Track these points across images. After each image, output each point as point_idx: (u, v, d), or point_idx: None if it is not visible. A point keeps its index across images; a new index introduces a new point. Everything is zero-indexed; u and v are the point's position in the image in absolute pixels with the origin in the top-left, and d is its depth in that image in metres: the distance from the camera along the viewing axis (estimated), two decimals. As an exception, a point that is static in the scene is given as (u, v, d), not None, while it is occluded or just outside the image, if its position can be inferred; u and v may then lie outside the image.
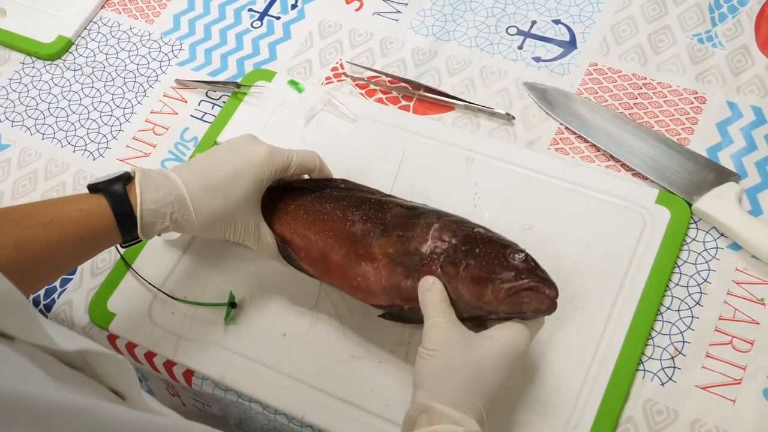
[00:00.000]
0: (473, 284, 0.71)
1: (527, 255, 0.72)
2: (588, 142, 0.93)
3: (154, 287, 0.88)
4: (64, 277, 0.93)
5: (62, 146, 1.05)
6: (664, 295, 0.81)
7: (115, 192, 0.73)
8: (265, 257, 0.84)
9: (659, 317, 0.80)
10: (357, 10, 1.10)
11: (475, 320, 0.73)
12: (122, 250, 0.91)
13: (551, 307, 0.70)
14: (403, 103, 1.00)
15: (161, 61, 1.10)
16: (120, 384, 0.52)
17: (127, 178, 0.75)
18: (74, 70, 1.11)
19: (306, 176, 0.87)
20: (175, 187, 0.75)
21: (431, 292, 0.71)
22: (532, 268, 0.71)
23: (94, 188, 0.74)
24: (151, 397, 0.63)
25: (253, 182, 0.78)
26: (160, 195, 0.74)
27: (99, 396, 0.49)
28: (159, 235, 0.90)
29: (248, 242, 0.81)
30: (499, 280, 0.70)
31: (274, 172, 0.80)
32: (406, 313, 0.76)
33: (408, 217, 0.78)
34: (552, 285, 0.70)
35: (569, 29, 1.03)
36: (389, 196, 0.84)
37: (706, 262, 0.83)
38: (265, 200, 0.83)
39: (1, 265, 0.63)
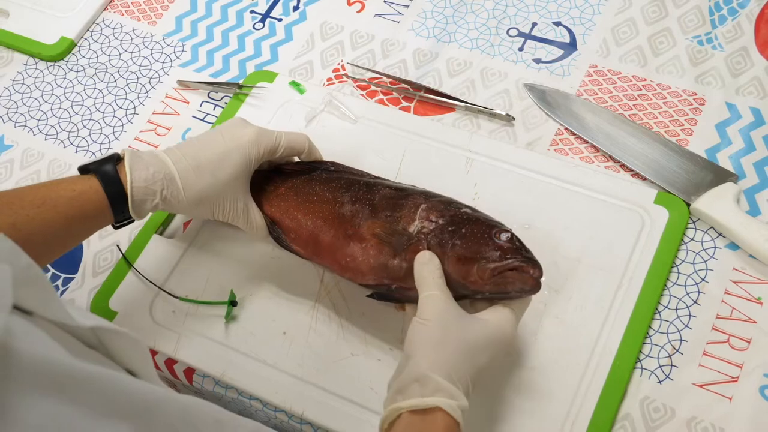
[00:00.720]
0: (459, 264, 0.72)
1: (512, 234, 0.74)
2: (587, 142, 0.93)
3: (156, 286, 0.88)
4: (65, 276, 0.93)
5: (65, 147, 1.05)
6: (662, 294, 0.81)
7: (106, 171, 0.75)
8: (257, 240, 0.85)
9: (657, 316, 0.81)
10: (358, 12, 1.10)
11: (461, 300, 0.74)
12: (124, 249, 0.92)
13: (535, 287, 0.71)
14: (404, 104, 1.00)
15: (163, 63, 1.11)
16: (134, 364, 0.52)
17: (117, 159, 0.76)
18: (77, 72, 1.12)
19: (296, 159, 0.88)
20: (164, 166, 0.77)
21: (428, 266, 0.72)
22: (517, 248, 0.72)
23: (84, 169, 0.76)
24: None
25: (242, 162, 0.80)
26: (150, 173, 0.76)
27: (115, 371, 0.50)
28: (161, 234, 0.91)
29: (237, 222, 0.82)
30: (485, 260, 0.71)
31: (262, 152, 0.81)
32: (393, 293, 0.77)
33: (396, 198, 0.79)
34: (536, 265, 0.71)
35: (570, 31, 1.03)
36: (378, 178, 0.85)
37: (704, 261, 0.83)
38: (256, 183, 0.84)
39: None
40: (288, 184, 0.85)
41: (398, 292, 0.77)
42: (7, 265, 0.40)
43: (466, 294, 0.73)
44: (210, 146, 0.80)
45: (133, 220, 0.78)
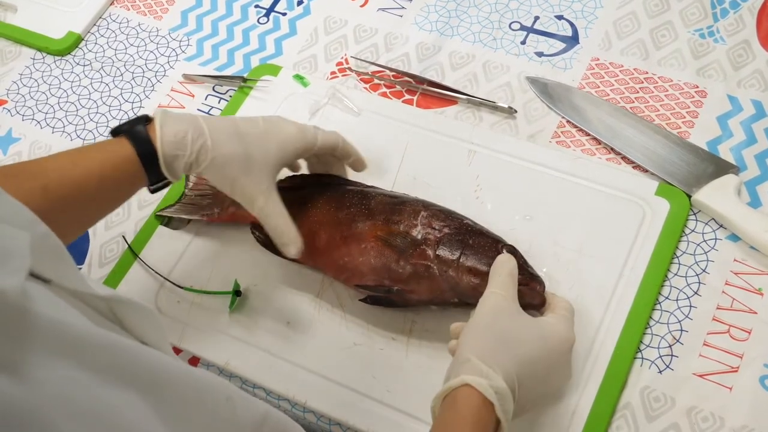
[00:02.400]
0: (470, 275, 0.76)
1: (516, 249, 0.78)
2: (589, 135, 0.94)
3: (161, 276, 0.89)
4: (72, 266, 0.94)
5: (72, 139, 1.06)
6: (662, 285, 0.82)
7: (136, 130, 0.74)
8: (272, 236, 0.82)
9: (658, 306, 0.81)
10: (362, 6, 1.11)
11: (462, 306, 0.77)
12: (130, 240, 0.93)
13: (542, 302, 0.76)
14: (407, 97, 1.01)
15: (169, 57, 1.12)
16: (149, 337, 0.52)
17: (147, 120, 0.76)
18: (84, 65, 1.13)
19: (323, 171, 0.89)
20: (195, 121, 0.76)
21: (504, 265, 0.74)
22: (522, 265, 0.76)
23: (116, 131, 0.76)
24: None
25: (279, 151, 0.79)
26: (181, 128, 0.75)
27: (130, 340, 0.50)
28: (166, 225, 0.91)
29: (253, 204, 0.79)
30: None
31: (301, 148, 0.81)
32: (393, 296, 0.79)
33: (393, 204, 0.82)
34: (541, 281, 0.76)
35: (572, 25, 1.04)
36: (371, 187, 0.87)
37: (705, 252, 0.84)
38: None
39: (31, 209, 0.67)
40: (282, 196, 0.85)
41: (398, 295, 0.79)
42: (26, 232, 0.40)
43: (469, 302, 0.76)
44: (251, 125, 0.79)
45: (169, 183, 0.77)
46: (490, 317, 0.70)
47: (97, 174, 0.72)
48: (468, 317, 0.75)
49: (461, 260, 0.76)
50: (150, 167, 0.75)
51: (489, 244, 0.77)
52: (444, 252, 0.77)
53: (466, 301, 0.77)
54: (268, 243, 0.85)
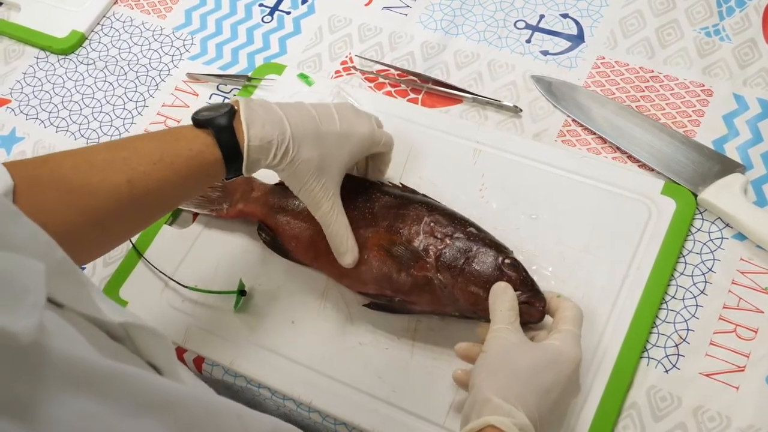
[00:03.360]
0: (470, 293, 0.76)
1: (518, 262, 0.77)
2: (595, 134, 0.93)
3: (165, 276, 0.89)
4: (76, 266, 0.94)
5: (75, 139, 1.06)
6: (668, 284, 0.82)
7: (223, 126, 0.73)
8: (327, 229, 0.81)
9: (664, 306, 0.81)
10: (366, 5, 1.11)
11: (464, 318, 0.77)
12: (134, 240, 0.92)
13: (541, 318, 0.75)
14: (412, 95, 1.01)
15: (173, 56, 1.12)
16: (159, 359, 0.52)
17: (232, 112, 0.74)
18: (87, 65, 1.13)
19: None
20: (281, 124, 0.75)
21: (502, 298, 0.73)
22: (523, 279, 0.75)
23: (198, 121, 0.74)
24: (187, 370, 0.62)
25: (351, 156, 0.80)
26: (266, 131, 0.74)
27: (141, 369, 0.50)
28: (170, 225, 0.91)
29: (318, 207, 0.79)
30: None
31: (368, 151, 0.82)
32: (395, 305, 0.79)
33: (397, 207, 0.81)
34: (542, 297, 0.75)
35: (577, 23, 1.03)
36: (378, 183, 0.86)
37: (711, 252, 0.84)
38: (258, 198, 0.86)
39: (117, 203, 0.68)
40: (281, 193, 0.86)
41: (400, 305, 0.79)
42: (41, 263, 0.40)
43: (471, 316, 0.77)
44: (329, 123, 0.78)
45: (241, 174, 0.76)
46: (502, 354, 0.69)
47: (180, 172, 0.71)
48: (471, 327, 0.76)
49: (461, 279, 0.76)
50: (231, 166, 0.74)
51: (490, 259, 0.76)
52: (444, 268, 0.76)
53: (466, 315, 0.78)
54: (274, 244, 0.85)
